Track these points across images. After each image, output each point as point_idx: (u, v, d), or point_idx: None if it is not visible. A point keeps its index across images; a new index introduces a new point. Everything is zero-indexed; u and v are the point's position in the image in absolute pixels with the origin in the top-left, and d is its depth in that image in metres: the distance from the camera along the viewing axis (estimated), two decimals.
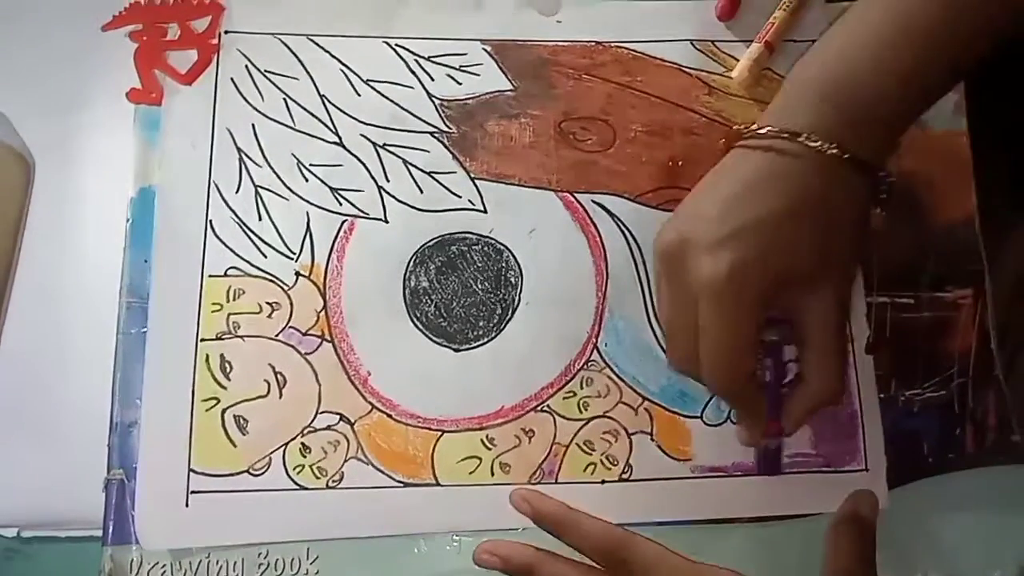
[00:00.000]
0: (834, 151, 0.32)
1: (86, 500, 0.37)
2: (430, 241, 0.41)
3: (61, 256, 0.41)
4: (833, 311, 0.33)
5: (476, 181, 0.42)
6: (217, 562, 0.37)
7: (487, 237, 0.41)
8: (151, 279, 0.39)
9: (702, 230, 0.33)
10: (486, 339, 0.40)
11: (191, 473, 0.37)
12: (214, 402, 0.38)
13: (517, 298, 0.41)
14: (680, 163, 0.43)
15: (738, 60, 0.44)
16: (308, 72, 0.43)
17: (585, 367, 0.40)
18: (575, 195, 0.42)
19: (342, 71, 0.43)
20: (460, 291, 0.41)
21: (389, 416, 0.39)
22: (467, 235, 0.41)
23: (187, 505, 0.37)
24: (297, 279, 0.40)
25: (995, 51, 0.33)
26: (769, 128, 0.33)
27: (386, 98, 0.43)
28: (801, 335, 0.34)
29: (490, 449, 0.39)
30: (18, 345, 0.40)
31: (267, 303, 0.40)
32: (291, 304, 0.40)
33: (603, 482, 0.39)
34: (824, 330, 0.34)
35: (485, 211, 0.42)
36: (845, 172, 0.32)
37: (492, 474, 0.39)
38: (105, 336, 0.39)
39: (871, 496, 0.38)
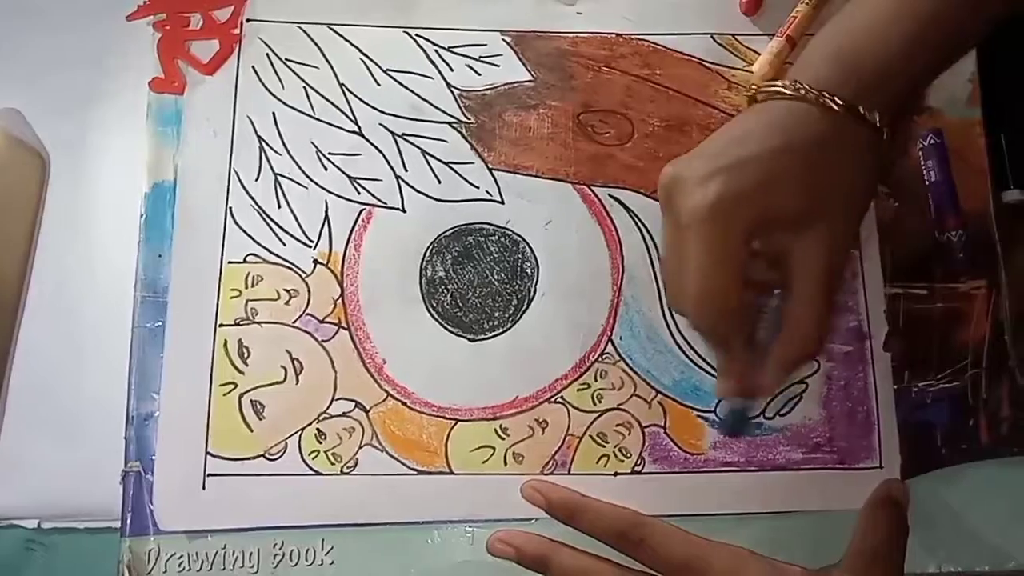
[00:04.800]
0: (838, 102, 0.32)
1: (104, 492, 0.38)
2: (447, 231, 0.41)
3: (76, 252, 0.41)
4: (818, 259, 0.33)
5: (494, 172, 0.42)
6: (233, 552, 0.37)
7: (504, 228, 0.42)
8: (171, 265, 0.40)
9: (696, 165, 0.33)
10: (501, 330, 0.40)
11: (208, 456, 0.38)
12: (231, 387, 0.39)
13: (533, 289, 0.41)
14: None
15: (759, 55, 0.44)
16: (328, 61, 0.43)
17: (600, 359, 0.40)
18: (592, 188, 0.42)
19: (362, 60, 0.43)
20: (476, 281, 0.41)
21: (404, 404, 0.39)
22: (484, 226, 0.42)
23: (204, 488, 0.38)
24: (315, 267, 0.40)
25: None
26: (779, 82, 0.34)
27: (405, 88, 0.43)
28: (787, 283, 0.34)
29: (503, 439, 0.39)
30: (35, 341, 0.40)
31: (285, 290, 0.40)
32: (308, 291, 0.40)
33: (616, 474, 0.39)
34: (806, 277, 0.33)
35: (502, 202, 0.42)
36: (847, 124, 0.33)
37: (505, 464, 0.39)
38: (120, 331, 0.39)
39: (903, 484, 0.38)
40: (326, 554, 0.38)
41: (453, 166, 0.42)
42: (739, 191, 0.32)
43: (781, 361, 0.34)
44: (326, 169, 0.42)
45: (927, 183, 0.43)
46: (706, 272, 0.32)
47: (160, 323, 0.39)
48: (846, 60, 0.33)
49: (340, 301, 0.40)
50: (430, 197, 0.42)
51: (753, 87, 0.35)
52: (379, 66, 0.43)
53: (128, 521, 0.37)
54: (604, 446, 0.39)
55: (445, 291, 0.41)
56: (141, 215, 0.41)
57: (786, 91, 0.33)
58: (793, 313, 0.33)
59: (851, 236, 0.34)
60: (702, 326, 0.34)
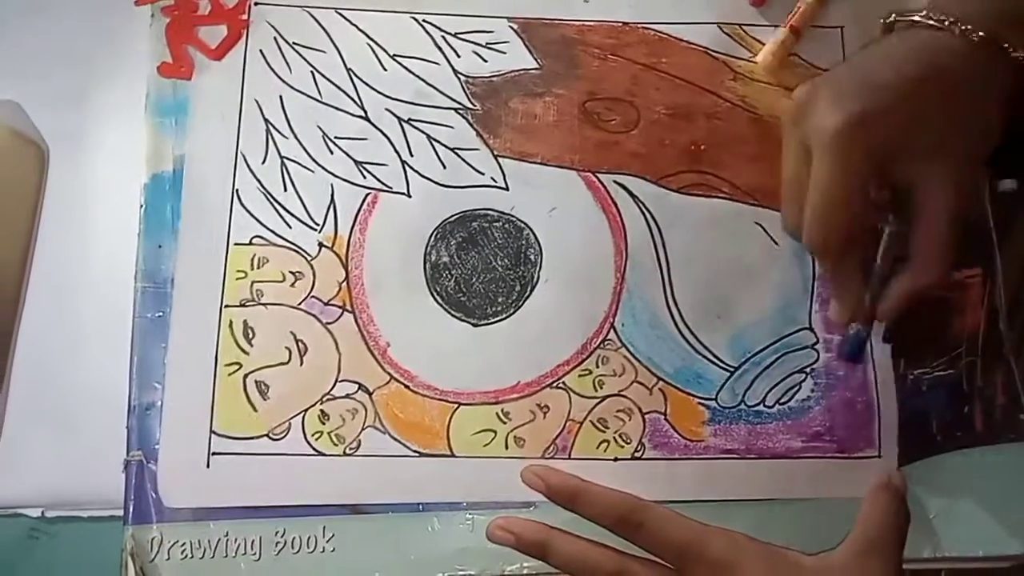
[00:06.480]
0: (980, 34, 0.32)
1: (106, 481, 0.38)
2: (452, 217, 0.42)
3: (76, 243, 0.41)
4: (947, 190, 0.33)
5: (499, 158, 0.42)
6: (235, 539, 0.37)
7: (508, 214, 0.42)
8: (175, 250, 0.40)
9: (832, 85, 0.33)
10: (504, 315, 0.41)
11: (213, 435, 0.38)
12: (237, 367, 0.39)
13: (536, 275, 0.41)
14: (702, 147, 0.43)
15: (764, 45, 0.44)
16: (335, 45, 0.43)
17: (601, 346, 0.40)
18: (597, 175, 0.42)
19: (369, 45, 0.43)
20: (480, 267, 0.41)
21: (407, 387, 0.39)
22: (488, 212, 0.42)
23: (208, 466, 0.38)
24: (320, 250, 0.41)
25: None
26: (919, 12, 0.34)
27: (412, 73, 0.43)
28: (913, 213, 0.34)
29: (505, 423, 0.39)
30: (36, 332, 0.40)
31: (290, 272, 0.40)
32: (314, 274, 0.40)
33: (616, 459, 0.39)
34: (933, 208, 0.33)
35: (507, 188, 0.42)
36: (987, 58, 0.33)
37: (506, 447, 0.39)
38: (120, 321, 0.39)
39: (901, 473, 0.39)
40: (327, 541, 0.38)
41: (459, 152, 0.42)
42: (869, 113, 0.32)
43: (906, 289, 0.35)
44: (332, 153, 0.42)
45: None
46: (827, 187, 0.33)
47: (160, 313, 0.39)
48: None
49: (345, 284, 0.40)
50: (435, 183, 0.42)
51: (893, 15, 0.35)
52: (386, 51, 0.43)
53: (131, 509, 0.37)
54: (604, 431, 0.40)
55: (449, 276, 0.41)
56: (141, 206, 0.41)
57: (927, 20, 0.33)
58: (920, 245, 0.34)
59: (978, 173, 0.35)
60: (817, 243, 0.34)
